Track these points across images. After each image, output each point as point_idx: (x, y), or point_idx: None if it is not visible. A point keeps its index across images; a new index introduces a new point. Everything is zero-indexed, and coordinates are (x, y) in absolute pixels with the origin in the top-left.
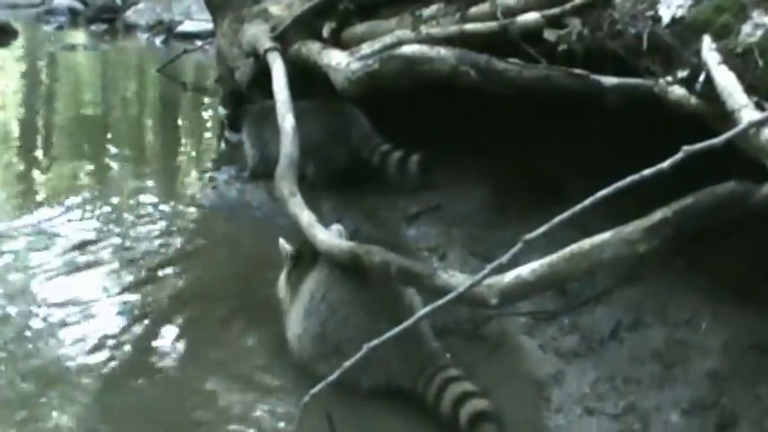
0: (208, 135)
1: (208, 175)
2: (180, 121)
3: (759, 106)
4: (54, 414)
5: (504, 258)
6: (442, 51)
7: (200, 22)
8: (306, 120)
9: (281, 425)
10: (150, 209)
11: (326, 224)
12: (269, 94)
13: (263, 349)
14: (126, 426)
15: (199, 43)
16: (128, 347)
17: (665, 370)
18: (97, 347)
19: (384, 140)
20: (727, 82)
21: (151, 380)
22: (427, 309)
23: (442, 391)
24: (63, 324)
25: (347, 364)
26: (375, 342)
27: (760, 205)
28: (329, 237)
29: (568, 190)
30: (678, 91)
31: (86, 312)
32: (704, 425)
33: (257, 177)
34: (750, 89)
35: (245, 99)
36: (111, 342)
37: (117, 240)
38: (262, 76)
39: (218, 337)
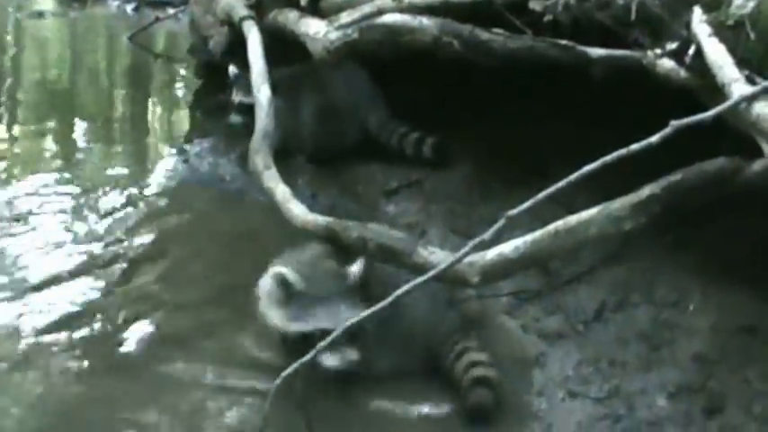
0: (179, 106)
1: (179, 147)
2: (151, 92)
3: (750, 80)
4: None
5: (487, 235)
6: (425, 21)
7: None
8: (329, 88)
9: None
10: (117, 182)
11: (302, 198)
12: (244, 64)
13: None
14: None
15: (171, 11)
16: (88, 328)
17: (651, 352)
18: (55, 327)
19: (401, 122)
20: (718, 55)
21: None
22: (406, 287)
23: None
24: (20, 301)
25: (321, 345)
26: (351, 321)
27: (751, 182)
28: (304, 211)
29: (553, 166)
30: (667, 63)
31: (46, 289)
32: (691, 409)
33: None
34: (741, 62)
35: (219, 69)
36: (70, 322)
37: (85, 217)
38: (237, 46)
39: (186, 318)
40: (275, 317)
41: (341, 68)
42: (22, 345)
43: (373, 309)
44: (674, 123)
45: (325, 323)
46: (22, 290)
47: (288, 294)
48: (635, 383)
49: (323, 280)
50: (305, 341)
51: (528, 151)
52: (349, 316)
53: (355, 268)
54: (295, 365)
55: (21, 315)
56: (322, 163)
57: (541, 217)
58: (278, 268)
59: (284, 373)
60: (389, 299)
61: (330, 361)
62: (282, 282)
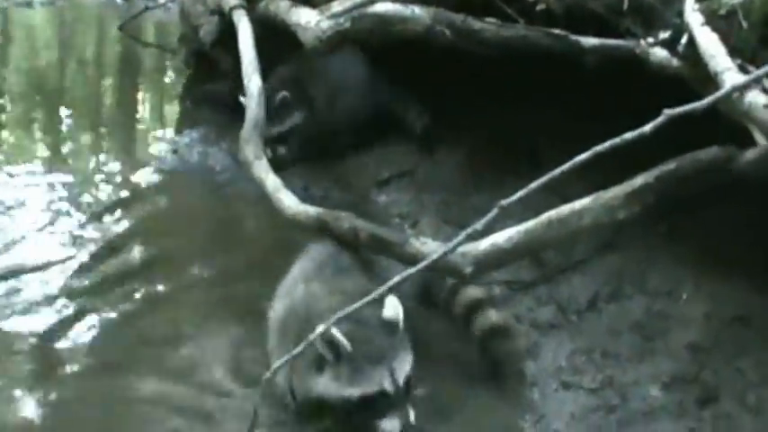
0: (169, 96)
1: (168, 137)
2: (140, 82)
3: (743, 69)
4: None
5: (479, 225)
6: (417, 10)
7: None
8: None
9: None
10: (108, 174)
11: (293, 189)
12: (234, 54)
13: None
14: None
15: (161, 0)
16: (81, 322)
17: (644, 342)
18: (46, 320)
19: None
20: (710, 44)
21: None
22: (397, 278)
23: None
24: (11, 294)
25: (311, 336)
26: (340, 313)
27: (744, 171)
28: (295, 202)
29: (546, 156)
30: (660, 53)
31: (37, 283)
32: (685, 399)
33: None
34: (734, 52)
35: (209, 58)
36: (62, 316)
37: (72, 207)
38: (227, 35)
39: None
40: (322, 384)
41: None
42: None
43: (362, 301)
44: (667, 112)
45: (385, 383)
46: (13, 272)
47: (337, 357)
48: (628, 374)
49: (368, 334)
50: (363, 405)
51: (522, 140)
52: (403, 371)
53: (392, 312)
54: (283, 359)
55: (13, 295)
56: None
57: (537, 207)
58: (326, 329)
59: (274, 366)
60: (379, 290)
61: (389, 426)
62: (331, 344)
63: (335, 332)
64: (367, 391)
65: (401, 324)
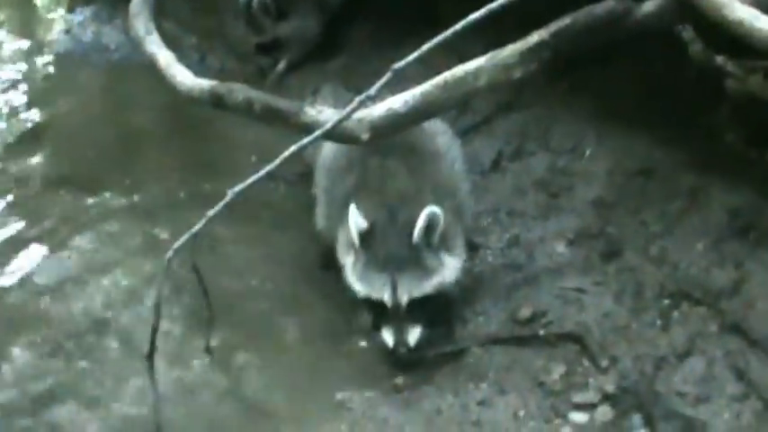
0: None
1: (61, 16)
2: None
3: None
4: None
5: (372, 90)
6: None
7: None
8: None
9: None
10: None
11: (188, 63)
12: None
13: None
14: None
15: None
16: None
17: (549, 200)
18: None
19: None
20: None
21: None
22: (294, 147)
23: None
24: None
25: (210, 213)
26: (238, 187)
27: (642, 23)
28: (188, 77)
29: (446, 19)
30: None
31: None
32: (590, 254)
33: None
34: None
35: None
36: None
37: None
38: None
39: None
40: (348, 266)
41: None
42: None
43: (258, 174)
44: None
45: (384, 295)
46: None
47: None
48: (534, 232)
49: (392, 236)
50: (367, 303)
51: (421, 3)
52: (410, 288)
53: (425, 221)
54: (185, 236)
55: None
56: None
57: (438, 70)
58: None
59: (175, 245)
60: (277, 161)
61: (385, 336)
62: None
63: (356, 223)
64: (369, 294)
65: (420, 237)
